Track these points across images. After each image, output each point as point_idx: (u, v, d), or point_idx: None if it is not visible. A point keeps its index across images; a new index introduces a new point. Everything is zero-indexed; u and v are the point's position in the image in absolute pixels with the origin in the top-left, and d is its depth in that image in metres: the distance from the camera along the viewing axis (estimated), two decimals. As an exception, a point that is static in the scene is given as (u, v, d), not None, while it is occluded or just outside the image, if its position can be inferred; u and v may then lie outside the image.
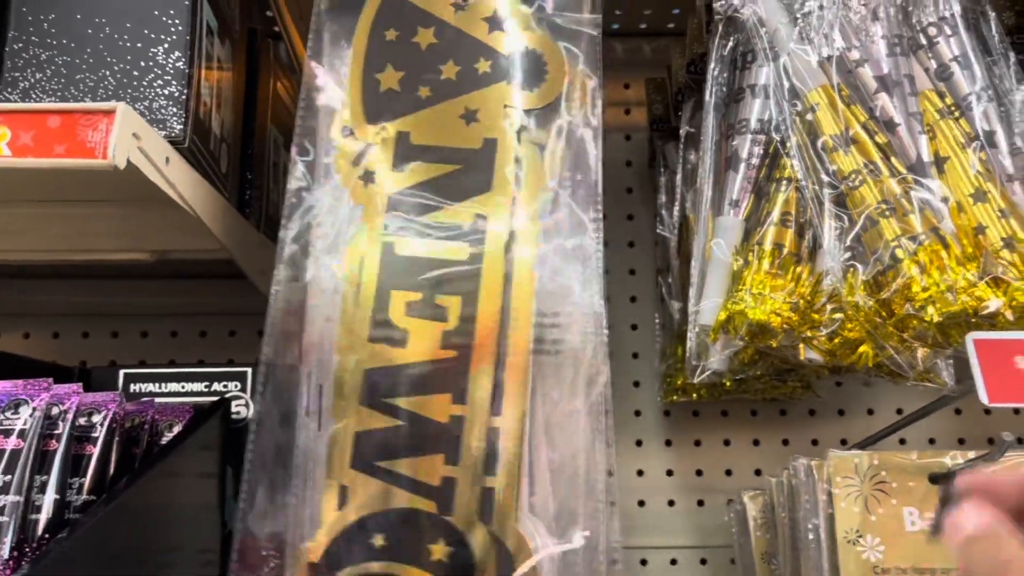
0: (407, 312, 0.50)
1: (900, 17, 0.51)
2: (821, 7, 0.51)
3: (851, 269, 0.47)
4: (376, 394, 0.49)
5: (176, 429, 0.61)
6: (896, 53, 0.51)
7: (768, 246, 0.51)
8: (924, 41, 0.52)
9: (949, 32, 0.52)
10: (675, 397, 0.77)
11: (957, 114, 0.51)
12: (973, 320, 0.45)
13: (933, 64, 0.52)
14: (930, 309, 0.45)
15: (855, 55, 0.51)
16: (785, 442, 0.84)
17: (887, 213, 0.47)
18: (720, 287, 0.51)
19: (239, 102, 0.66)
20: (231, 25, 0.63)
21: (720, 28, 0.55)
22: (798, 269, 0.50)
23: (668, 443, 0.84)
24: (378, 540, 0.48)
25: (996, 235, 0.47)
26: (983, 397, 0.42)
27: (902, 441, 0.80)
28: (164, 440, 0.60)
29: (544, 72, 0.53)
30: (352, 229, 0.51)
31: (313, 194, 0.53)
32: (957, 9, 0.51)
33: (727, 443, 0.84)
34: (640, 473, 0.84)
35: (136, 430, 0.59)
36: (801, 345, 0.48)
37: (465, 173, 0.51)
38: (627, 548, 0.82)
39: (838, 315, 0.47)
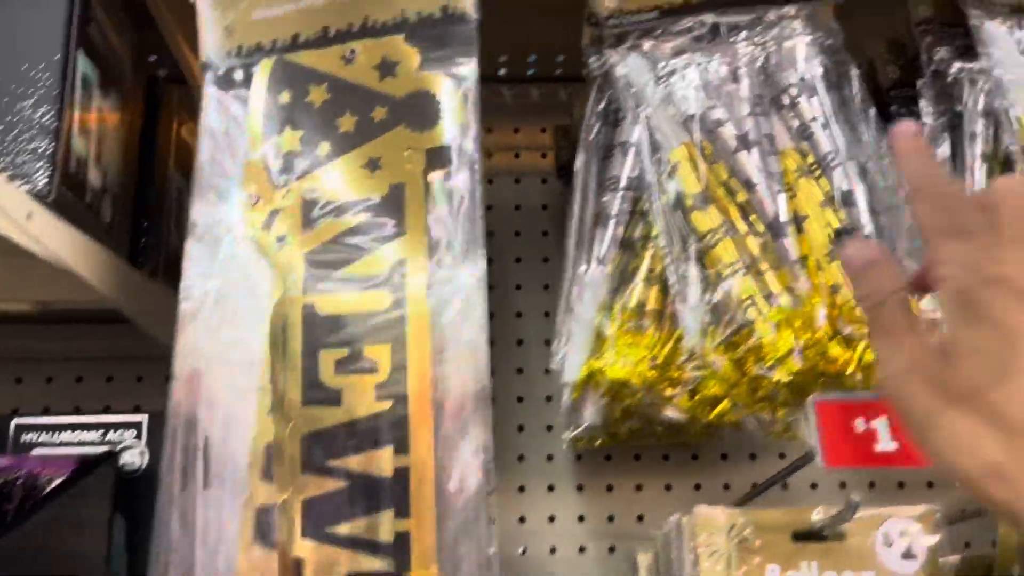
0: (336, 371, 0.49)
1: (762, 78, 0.52)
2: (685, 66, 0.52)
3: (710, 328, 0.48)
4: (317, 459, 0.48)
5: (56, 482, 0.60)
6: (757, 113, 0.51)
7: (632, 303, 0.51)
8: (787, 101, 0.52)
9: (810, 93, 0.52)
10: (582, 442, 0.77)
11: (818, 173, 0.52)
12: (822, 380, 0.46)
13: (795, 123, 0.53)
14: (780, 369, 0.45)
15: (716, 114, 0.52)
16: (697, 487, 0.84)
17: (742, 272, 0.48)
18: (583, 343, 0.51)
19: (132, 150, 0.66)
20: (119, 74, 0.63)
21: (595, 85, 0.55)
22: (660, 327, 0.50)
23: (580, 488, 0.84)
24: None
25: (849, 293, 0.48)
26: (820, 461, 0.42)
27: (785, 487, 0.80)
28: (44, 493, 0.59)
29: (440, 111, 0.53)
30: (269, 295, 0.50)
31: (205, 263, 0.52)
32: (819, 71, 0.52)
33: (639, 488, 0.84)
34: (551, 519, 0.83)
35: (8, 486, 0.58)
36: (661, 403, 0.48)
37: (376, 222, 0.51)
38: (538, 595, 0.81)
39: (697, 372, 0.47)
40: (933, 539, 0.51)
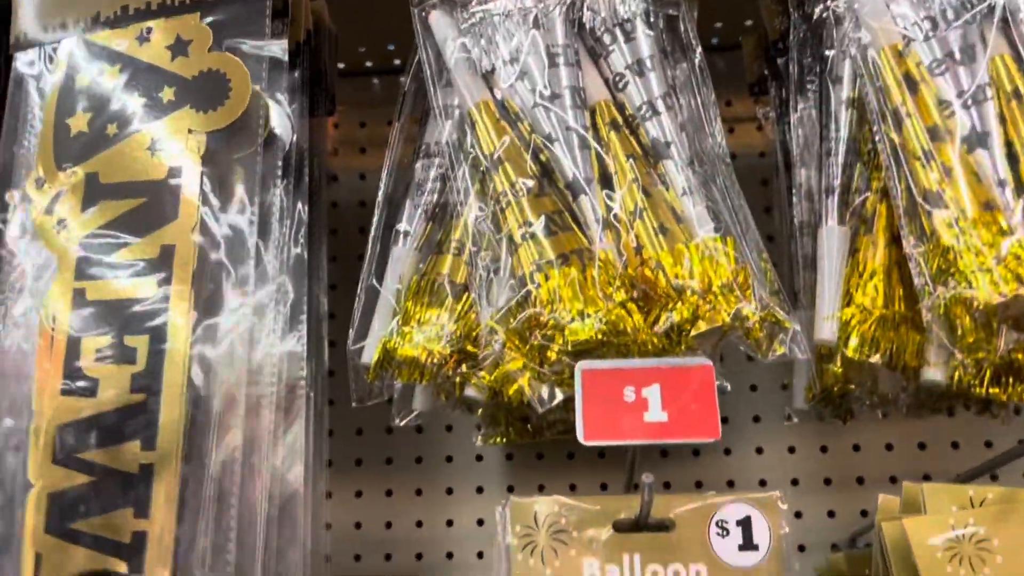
0: (96, 359, 0.48)
1: (568, 27, 0.48)
2: (483, 17, 0.48)
3: (497, 297, 0.44)
4: (68, 450, 0.48)
5: None
6: (558, 64, 0.47)
7: (432, 276, 0.47)
8: (600, 51, 0.48)
9: (625, 39, 0.47)
10: (498, 440, 0.73)
11: (636, 124, 0.47)
12: (618, 348, 0.41)
13: (609, 74, 0.48)
14: (559, 339, 0.40)
15: (516, 68, 0.48)
16: (636, 487, 0.78)
17: (527, 237, 0.43)
18: (384, 322, 0.48)
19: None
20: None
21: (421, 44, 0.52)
22: (459, 300, 0.46)
23: (511, 489, 0.80)
24: None
25: (652, 255, 0.43)
26: (580, 435, 0.37)
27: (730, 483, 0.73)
28: None
29: (227, 91, 0.52)
30: (48, 281, 0.50)
31: (10, 248, 0.53)
32: (638, 11, 0.47)
33: (573, 488, 0.79)
34: (480, 523, 0.79)
35: None
36: (459, 383, 0.44)
37: (151, 206, 0.50)
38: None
39: (488, 349, 0.43)
40: (780, 528, 0.44)
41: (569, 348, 0.41)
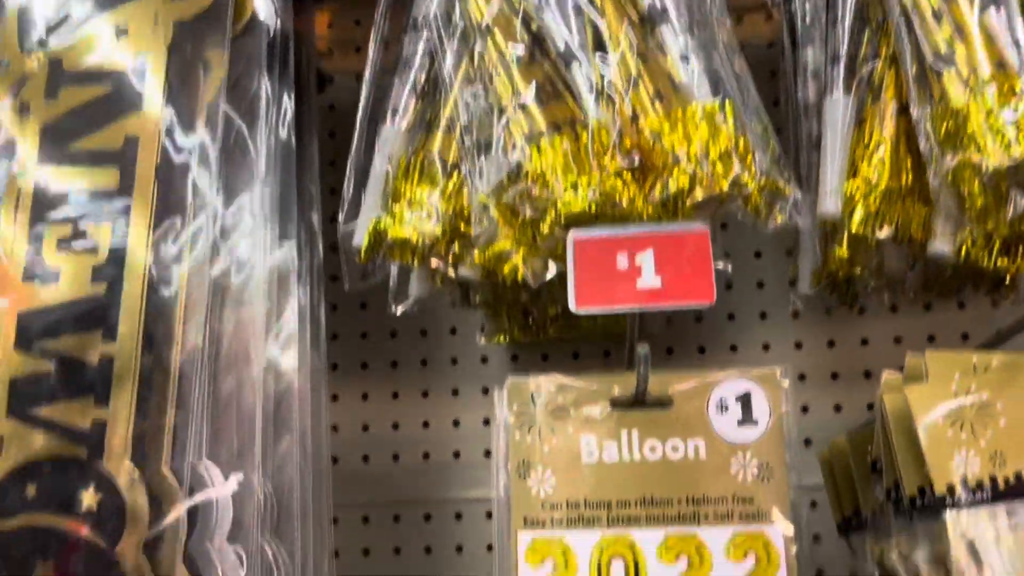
0: (58, 248, 0.48)
1: None
2: None
3: (489, 173, 0.42)
4: (29, 338, 0.48)
5: None
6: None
7: (423, 155, 0.46)
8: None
9: None
10: (501, 338, 0.73)
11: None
12: (608, 221, 0.40)
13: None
14: (551, 212, 0.39)
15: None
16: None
17: (517, 108, 0.42)
18: (375, 204, 0.46)
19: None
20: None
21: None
22: (453, 178, 0.45)
23: (516, 389, 0.79)
24: (31, 491, 0.47)
25: (648, 123, 0.41)
26: (571, 303, 0.36)
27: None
28: None
29: None
30: (9, 167, 0.50)
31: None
32: None
33: (578, 387, 0.78)
34: (486, 422, 0.79)
35: None
36: (451, 261, 0.43)
37: (116, 94, 0.49)
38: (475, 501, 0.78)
39: (479, 226, 0.42)
40: (780, 404, 0.44)
41: (562, 221, 0.39)
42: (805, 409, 0.73)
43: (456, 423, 0.77)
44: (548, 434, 0.45)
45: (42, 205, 0.48)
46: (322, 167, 0.62)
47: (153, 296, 0.47)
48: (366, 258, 0.46)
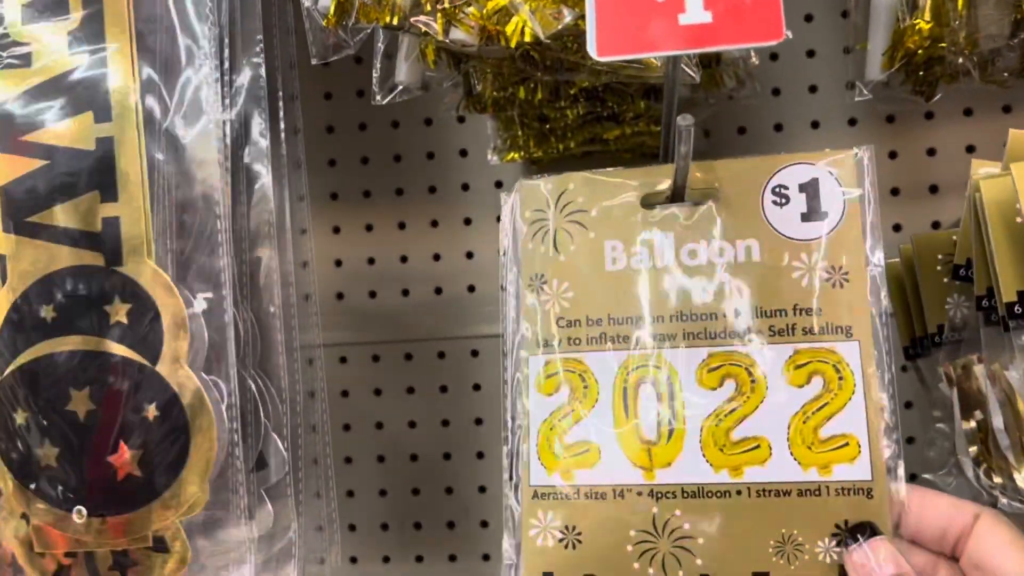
0: (24, 19, 0.40)
1: None
2: None
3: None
4: (10, 134, 0.40)
5: None
6: None
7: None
8: None
9: None
10: (516, 155, 0.64)
11: None
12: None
13: None
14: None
15: None
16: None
17: None
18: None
19: None
20: None
21: None
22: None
23: (534, 217, 0.72)
24: (49, 313, 0.40)
25: None
26: (592, 49, 0.28)
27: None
28: None
29: None
30: None
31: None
32: None
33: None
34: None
35: None
36: (440, 21, 0.34)
37: None
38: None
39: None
40: (854, 192, 0.35)
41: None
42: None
43: (469, 255, 0.70)
44: (566, 240, 0.38)
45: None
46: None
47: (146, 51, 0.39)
48: (335, 21, 0.37)
